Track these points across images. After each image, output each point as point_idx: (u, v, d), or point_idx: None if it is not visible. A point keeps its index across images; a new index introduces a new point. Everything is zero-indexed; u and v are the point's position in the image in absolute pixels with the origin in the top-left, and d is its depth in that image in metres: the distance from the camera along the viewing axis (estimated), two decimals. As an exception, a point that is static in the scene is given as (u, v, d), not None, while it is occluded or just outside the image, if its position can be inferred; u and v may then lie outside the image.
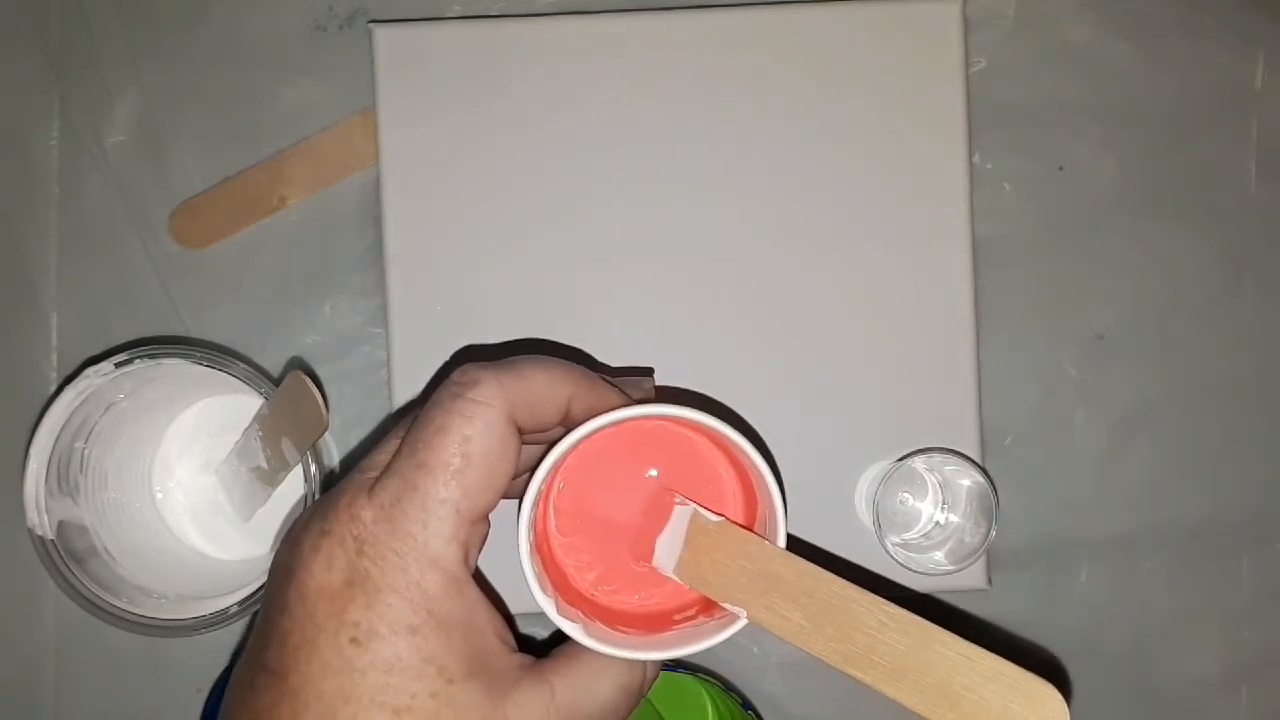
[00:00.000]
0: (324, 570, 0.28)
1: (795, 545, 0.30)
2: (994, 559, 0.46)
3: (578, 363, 0.32)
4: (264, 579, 0.40)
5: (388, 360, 0.46)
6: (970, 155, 0.46)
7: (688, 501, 0.32)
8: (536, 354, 0.31)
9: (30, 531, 0.40)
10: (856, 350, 0.46)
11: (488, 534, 0.30)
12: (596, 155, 0.46)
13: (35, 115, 0.48)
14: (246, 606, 0.40)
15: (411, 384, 0.45)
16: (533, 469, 0.30)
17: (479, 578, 0.30)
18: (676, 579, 0.32)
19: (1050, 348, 0.48)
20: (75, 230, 0.48)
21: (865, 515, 0.44)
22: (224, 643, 0.44)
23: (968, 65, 0.46)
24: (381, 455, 0.30)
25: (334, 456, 0.47)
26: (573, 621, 0.30)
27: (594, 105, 0.46)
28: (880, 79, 0.46)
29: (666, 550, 0.32)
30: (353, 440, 0.47)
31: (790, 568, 0.29)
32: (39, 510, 0.40)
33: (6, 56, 0.48)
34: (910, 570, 0.43)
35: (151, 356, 0.40)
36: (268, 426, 0.42)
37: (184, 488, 0.47)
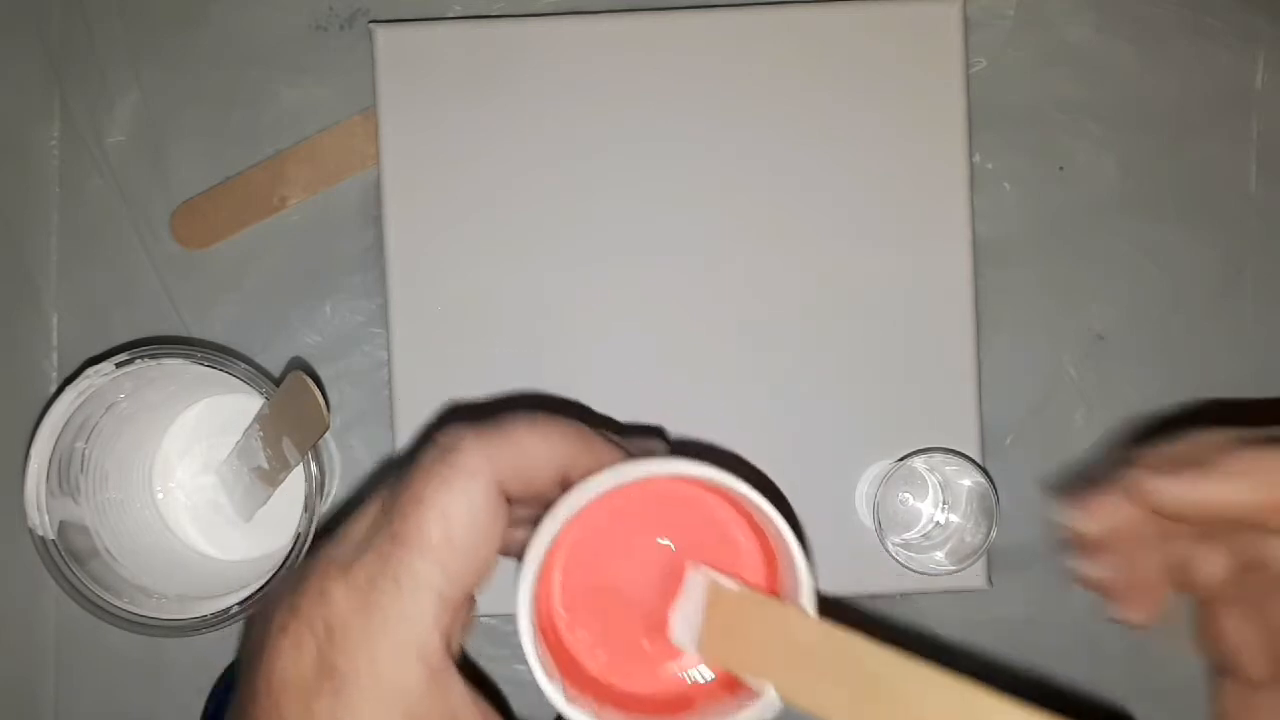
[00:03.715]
0: (292, 656, 0.25)
1: (827, 607, 0.27)
2: (994, 559, 0.46)
3: (579, 418, 0.29)
4: (264, 579, 0.40)
5: (388, 360, 0.46)
6: (970, 155, 0.46)
7: (702, 567, 0.29)
8: (530, 411, 0.28)
9: (31, 531, 0.40)
10: (857, 350, 0.46)
11: (474, 616, 0.27)
12: (596, 154, 0.46)
13: (35, 115, 0.48)
14: (247, 606, 0.40)
15: (411, 384, 0.45)
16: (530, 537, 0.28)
17: (465, 665, 0.27)
18: (696, 654, 0.29)
19: (1050, 348, 0.48)
20: (75, 230, 0.48)
21: (866, 515, 0.45)
22: (225, 643, 0.44)
23: (968, 65, 0.46)
24: (358, 525, 0.27)
25: (334, 457, 0.47)
26: (583, 711, 0.27)
27: (594, 105, 0.46)
28: (880, 79, 0.46)
29: (683, 623, 0.29)
30: (353, 440, 0.47)
31: (822, 636, 0.26)
32: (39, 510, 0.40)
33: (6, 56, 0.48)
34: (910, 570, 0.43)
35: (152, 356, 0.40)
36: (268, 426, 0.42)
37: (185, 488, 0.47)
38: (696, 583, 0.29)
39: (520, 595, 0.27)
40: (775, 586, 0.30)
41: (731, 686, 0.29)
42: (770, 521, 0.28)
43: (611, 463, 0.29)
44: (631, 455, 0.30)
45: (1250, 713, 0.28)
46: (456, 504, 0.25)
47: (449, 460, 0.26)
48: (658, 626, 0.30)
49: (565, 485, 0.28)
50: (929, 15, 0.46)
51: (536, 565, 0.27)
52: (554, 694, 0.27)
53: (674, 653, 0.30)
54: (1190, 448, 0.28)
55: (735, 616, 0.28)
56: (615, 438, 0.30)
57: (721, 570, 0.29)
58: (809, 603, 0.28)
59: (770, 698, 0.27)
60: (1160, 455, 0.28)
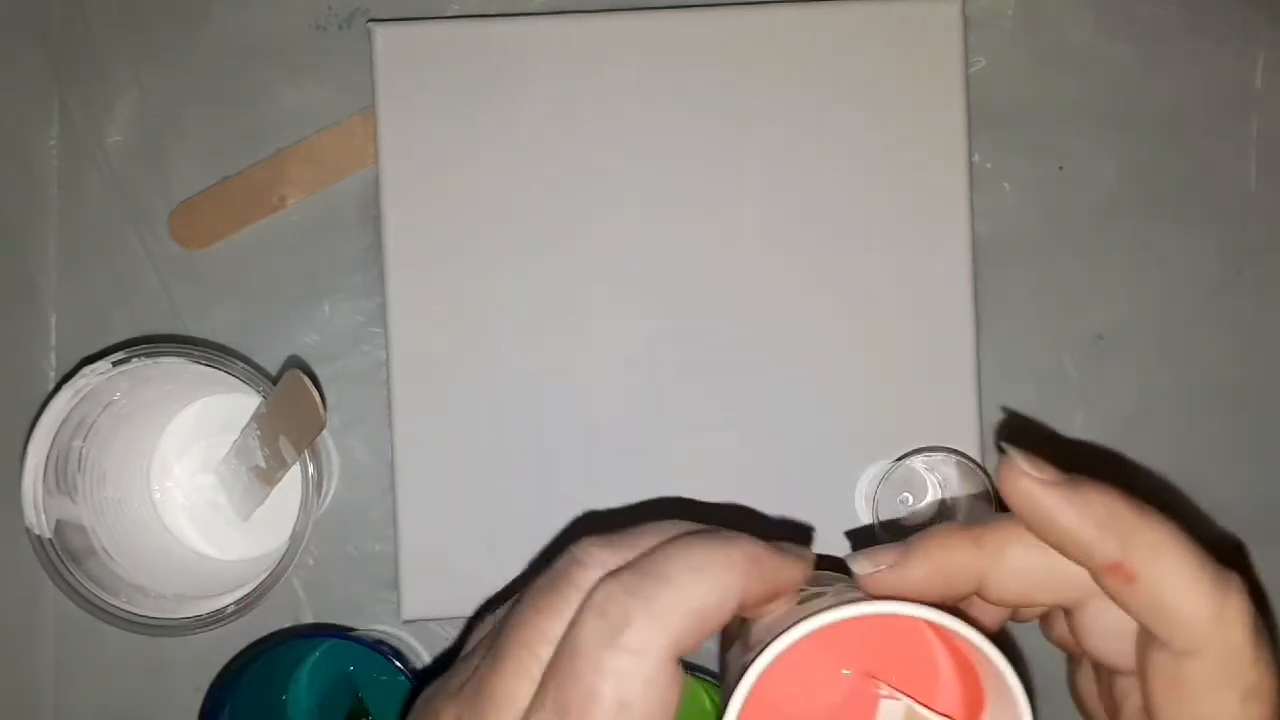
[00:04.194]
0: None
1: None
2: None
3: (724, 523, 0.27)
4: (262, 579, 0.40)
5: (387, 360, 0.46)
6: (970, 155, 0.46)
7: (898, 695, 0.28)
8: (685, 539, 0.25)
9: (28, 530, 0.40)
10: (856, 349, 0.46)
11: None
12: (596, 153, 0.46)
13: (35, 115, 0.48)
14: (244, 606, 0.40)
15: (410, 384, 0.45)
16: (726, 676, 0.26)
17: None
18: None
19: (1050, 348, 0.48)
20: (75, 230, 0.48)
21: (865, 514, 0.44)
22: (222, 642, 0.44)
23: (967, 65, 0.46)
24: (506, 688, 0.24)
25: (333, 456, 0.47)
26: None
27: (593, 103, 0.46)
28: (880, 78, 0.46)
29: None
30: (352, 440, 0.47)
31: None
32: (37, 509, 0.40)
33: (6, 56, 0.48)
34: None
35: (149, 355, 0.40)
36: (266, 425, 0.42)
37: (182, 487, 0.47)
38: (891, 711, 0.28)
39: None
40: (974, 713, 0.28)
41: None
42: (993, 666, 0.26)
43: (790, 583, 0.27)
44: (808, 566, 0.28)
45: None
46: (636, 696, 0.23)
47: (620, 644, 0.23)
48: None
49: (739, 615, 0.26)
50: (928, 15, 0.46)
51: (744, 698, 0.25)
52: None
53: None
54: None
55: None
56: (787, 546, 0.28)
57: (913, 695, 0.28)
58: None
59: None
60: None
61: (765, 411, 0.45)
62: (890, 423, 0.45)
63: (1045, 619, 0.30)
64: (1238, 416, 0.48)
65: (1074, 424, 0.48)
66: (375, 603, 0.47)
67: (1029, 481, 0.26)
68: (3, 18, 0.48)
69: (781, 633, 0.25)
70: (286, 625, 0.46)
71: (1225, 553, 0.25)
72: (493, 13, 0.47)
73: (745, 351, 0.46)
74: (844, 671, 0.28)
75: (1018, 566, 0.27)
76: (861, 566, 0.27)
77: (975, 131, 0.47)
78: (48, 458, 0.40)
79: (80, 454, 0.42)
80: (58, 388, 0.40)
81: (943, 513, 0.45)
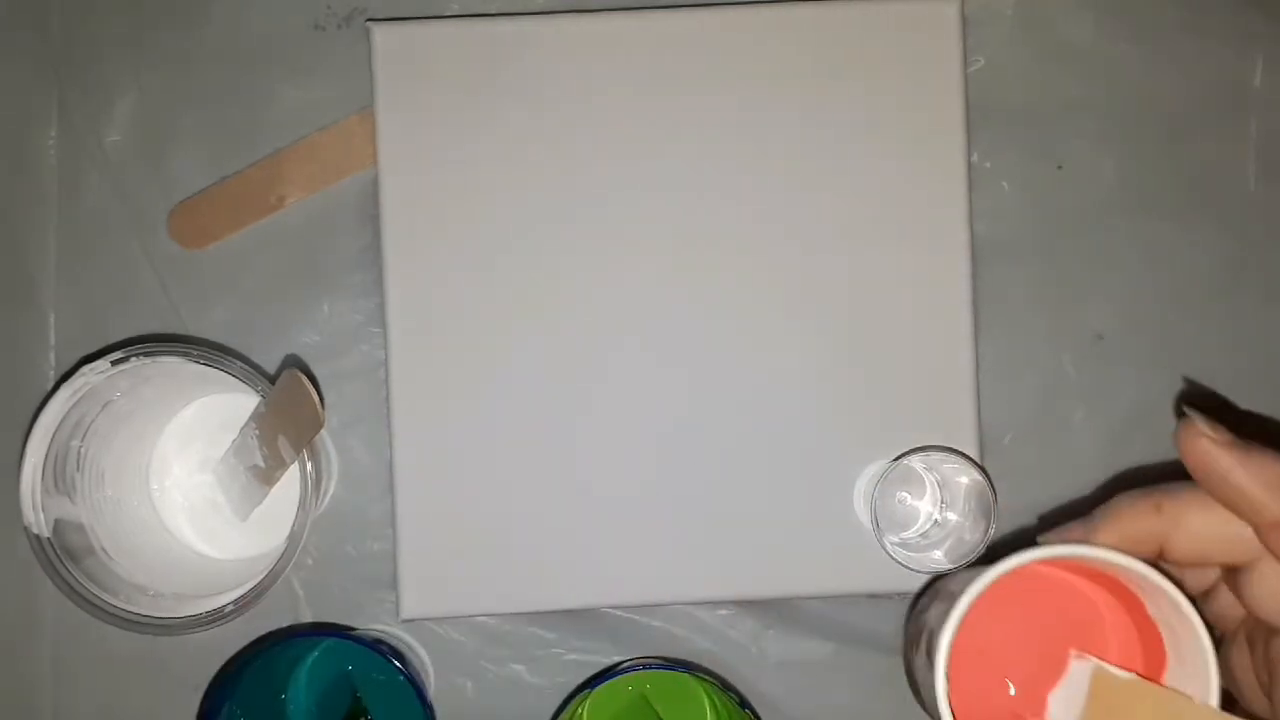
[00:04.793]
0: None
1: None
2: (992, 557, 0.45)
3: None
4: (260, 578, 0.40)
5: (386, 360, 0.46)
6: (968, 154, 0.46)
7: (1088, 656, 0.31)
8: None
9: (26, 530, 0.40)
10: (855, 349, 0.46)
11: None
12: (594, 153, 0.46)
13: (35, 115, 0.48)
14: (242, 605, 0.40)
15: (409, 383, 0.45)
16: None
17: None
18: None
19: (1050, 347, 0.48)
20: (74, 229, 0.48)
21: (863, 514, 0.44)
22: (221, 641, 0.44)
23: (966, 64, 0.46)
24: None
25: (332, 456, 0.47)
26: None
27: (591, 103, 0.46)
28: (878, 78, 0.46)
29: (1063, 708, 0.31)
30: (351, 440, 0.47)
31: None
32: (35, 508, 0.40)
33: (6, 56, 0.48)
34: (909, 569, 0.43)
35: (148, 354, 0.40)
36: (264, 425, 0.42)
37: (181, 486, 0.47)
38: (1081, 670, 0.31)
39: (939, 660, 0.29)
40: (1151, 671, 0.31)
41: None
42: (1184, 618, 0.29)
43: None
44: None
45: None
46: None
47: None
48: (1035, 709, 0.31)
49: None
50: (927, 14, 0.46)
51: (951, 636, 0.29)
52: None
53: None
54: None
55: (1127, 706, 0.29)
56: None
57: (1087, 649, 0.31)
58: (1214, 697, 0.29)
59: None
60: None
61: (764, 411, 0.45)
62: (889, 422, 0.45)
63: (1207, 593, 0.32)
64: (1237, 417, 0.48)
65: (1074, 424, 0.48)
66: (374, 602, 0.47)
67: (1207, 442, 0.29)
68: (3, 18, 0.48)
69: (979, 577, 0.29)
70: (285, 625, 0.46)
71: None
72: (492, 12, 0.47)
73: (744, 350, 0.46)
74: (1033, 622, 0.32)
75: (1196, 531, 0.30)
76: (1052, 541, 0.32)
77: (974, 131, 0.47)
78: (46, 457, 0.40)
79: (79, 453, 0.42)
80: (56, 387, 0.40)
81: (942, 512, 0.45)
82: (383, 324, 0.46)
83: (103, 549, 0.43)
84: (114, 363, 0.40)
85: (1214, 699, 0.28)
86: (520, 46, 0.46)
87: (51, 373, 0.47)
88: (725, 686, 0.42)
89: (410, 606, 0.45)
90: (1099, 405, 0.48)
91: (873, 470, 0.45)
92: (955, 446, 0.44)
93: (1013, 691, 0.32)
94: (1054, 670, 0.32)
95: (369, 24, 0.46)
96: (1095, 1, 0.48)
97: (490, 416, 0.45)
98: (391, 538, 0.45)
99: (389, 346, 0.45)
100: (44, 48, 0.48)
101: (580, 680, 0.46)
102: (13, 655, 0.47)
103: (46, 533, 0.40)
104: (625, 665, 0.44)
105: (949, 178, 0.46)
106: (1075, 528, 0.32)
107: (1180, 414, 0.29)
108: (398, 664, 0.41)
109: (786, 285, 0.46)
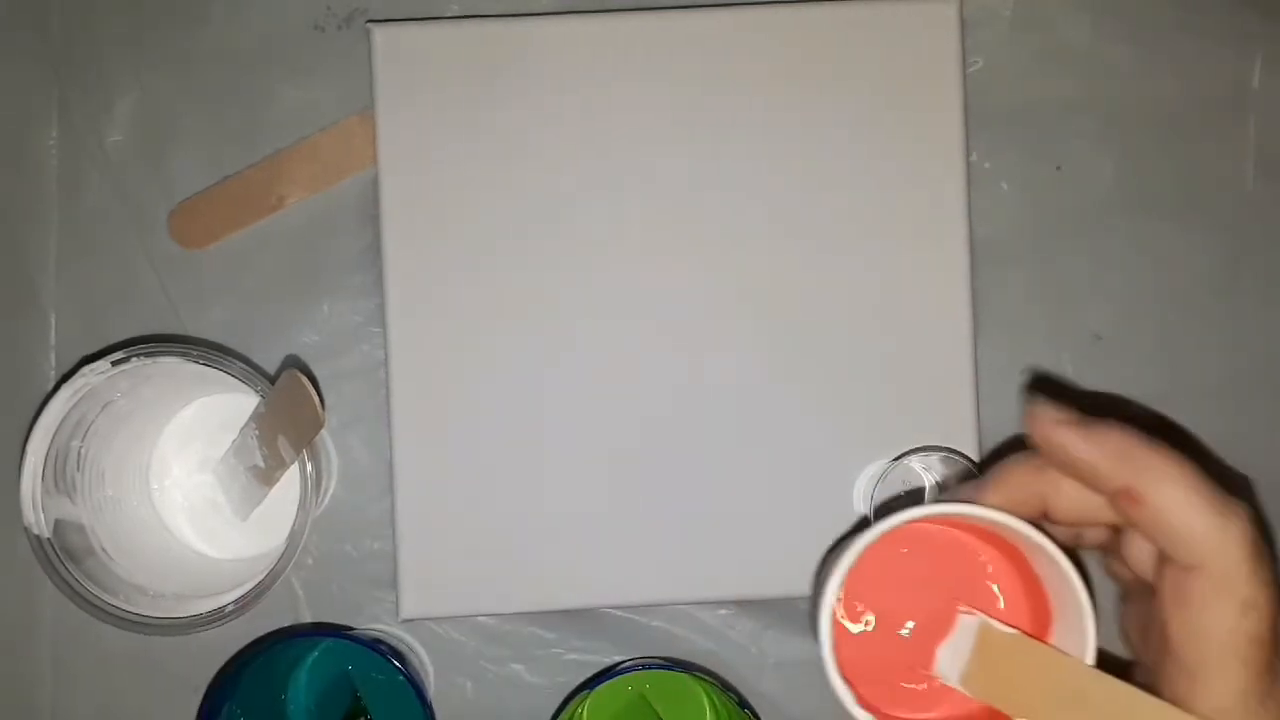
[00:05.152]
0: None
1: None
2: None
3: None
4: (260, 578, 0.40)
5: (386, 360, 0.46)
6: (967, 155, 0.46)
7: (975, 612, 0.32)
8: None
9: (27, 530, 0.40)
10: (854, 350, 0.46)
11: None
12: (594, 154, 0.46)
13: (35, 115, 0.48)
14: (242, 605, 0.40)
15: (409, 383, 0.45)
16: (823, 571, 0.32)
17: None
18: (962, 690, 0.31)
19: (1049, 348, 0.48)
20: (74, 229, 0.48)
21: (863, 513, 0.44)
22: (221, 641, 0.44)
23: (964, 65, 0.46)
24: None
25: (331, 456, 0.47)
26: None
27: (592, 104, 0.46)
28: (877, 79, 0.46)
29: (949, 660, 0.32)
30: (351, 439, 0.47)
31: (1101, 688, 0.29)
32: (35, 508, 0.40)
33: (6, 56, 0.48)
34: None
35: (148, 355, 0.40)
36: (264, 425, 0.42)
37: (181, 486, 0.47)
38: (968, 625, 0.32)
39: (823, 613, 0.31)
40: (1035, 628, 0.32)
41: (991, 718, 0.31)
42: (1064, 575, 0.30)
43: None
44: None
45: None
46: None
47: None
48: (922, 661, 0.32)
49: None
50: (925, 14, 0.46)
51: (834, 594, 0.31)
52: (850, 704, 0.30)
53: (936, 689, 0.32)
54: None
55: (1006, 660, 0.31)
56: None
57: (973, 606, 0.32)
58: (1090, 654, 0.30)
59: None
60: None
61: (764, 411, 0.45)
62: (888, 422, 0.45)
63: (1106, 552, 0.34)
64: (1237, 416, 0.48)
65: (1072, 424, 0.48)
66: (374, 602, 0.47)
67: (1050, 422, 0.31)
68: (3, 18, 0.48)
69: (865, 533, 0.31)
70: (285, 625, 0.47)
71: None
72: (492, 13, 0.47)
73: (744, 350, 0.46)
74: (923, 579, 0.33)
75: (1071, 493, 0.31)
76: (943, 501, 0.33)
77: (973, 131, 0.47)
78: (47, 457, 0.40)
79: (79, 453, 0.42)
80: (57, 387, 0.41)
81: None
82: (383, 324, 0.46)
83: (103, 549, 0.43)
84: (114, 363, 0.40)
85: (1090, 655, 0.30)
86: (520, 47, 0.46)
87: (52, 373, 0.47)
88: (725, 686, 0.42)
89: (410, 606, 0.45)
90: (1098, 405, 0.48)
91: (873, 470, 0.45)
92: (955, 446, 0.44)
93: (905, 633, 0.34)
94: (944, 625, 0.33)
95: (369, 25, 0.46)
96: (1093, 2, 0.48)
97: (490, 416, 0.46)
98: (391, 538, 0.45)
99: (389, 346, 0.46)
100: (44, 48, 0.48)
101: (580, 680, 0.46)
102: (13, 655, 0.47)
103: (46, 533, 0.40)
104: (625, 665, 0.44)
105: (948, 178, 0.46)
106: (967, 488, 0.34)
107: (1027, 401, 0.31)
108: (397, 664, 0.41)
109: (785, 286, 0.46)
